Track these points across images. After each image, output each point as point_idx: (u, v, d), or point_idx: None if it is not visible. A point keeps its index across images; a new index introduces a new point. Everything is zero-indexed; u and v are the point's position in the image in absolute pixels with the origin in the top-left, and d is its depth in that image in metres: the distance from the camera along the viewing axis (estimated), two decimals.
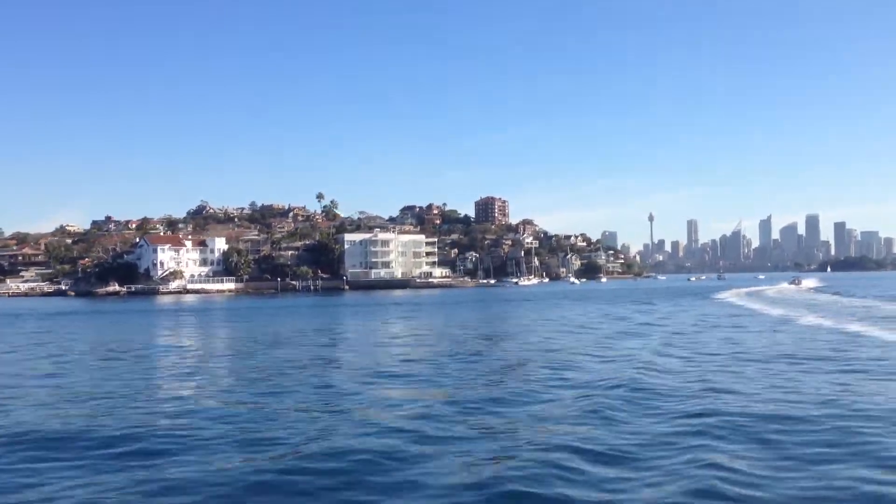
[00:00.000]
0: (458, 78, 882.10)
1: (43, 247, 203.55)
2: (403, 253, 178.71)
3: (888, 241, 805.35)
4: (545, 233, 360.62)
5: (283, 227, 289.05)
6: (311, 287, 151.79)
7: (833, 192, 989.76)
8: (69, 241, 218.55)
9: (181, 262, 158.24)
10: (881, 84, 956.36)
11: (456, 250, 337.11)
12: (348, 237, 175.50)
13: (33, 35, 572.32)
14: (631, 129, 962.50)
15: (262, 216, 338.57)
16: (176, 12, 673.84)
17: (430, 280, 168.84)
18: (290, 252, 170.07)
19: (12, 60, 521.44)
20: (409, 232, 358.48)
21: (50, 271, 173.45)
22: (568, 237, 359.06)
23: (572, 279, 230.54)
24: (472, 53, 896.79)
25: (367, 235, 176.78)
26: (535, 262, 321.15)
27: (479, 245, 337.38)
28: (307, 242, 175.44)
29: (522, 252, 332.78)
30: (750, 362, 26.93)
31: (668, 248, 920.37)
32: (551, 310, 71.78)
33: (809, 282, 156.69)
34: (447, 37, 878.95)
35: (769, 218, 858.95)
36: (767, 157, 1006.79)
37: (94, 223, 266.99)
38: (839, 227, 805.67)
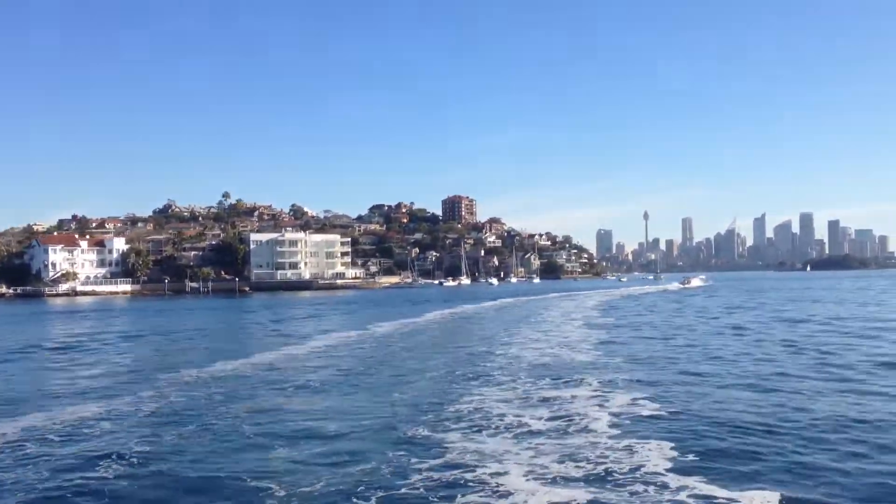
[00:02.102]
0: (461, 79, 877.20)
1: None
2: (315, 253, 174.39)
3: (882, 239, 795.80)
4: (509, 232, 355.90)
5: (247, 226, 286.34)
6: (201, 289, 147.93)
7: (829, 191, 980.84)
8: None
9: (76, 262, 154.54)
10: (877, 82, 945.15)
11: (417, 250, 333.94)
12: (254, 237, 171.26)
13: None
14: (628, 127, 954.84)
15: (228, 215, 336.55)
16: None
17: (336, 282, 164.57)
18: (193, 253, 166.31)
19: None
20: (373, 231, 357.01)
21: None
22: (532, 236, 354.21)
23: (492, 280, 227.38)
24: (468, 52, 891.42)
25: (274, 235, 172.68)
26: (495, 261, 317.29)
27: (441, 244, 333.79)
28: (212, 243, 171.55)
29: (483, 252, 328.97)
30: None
31: (662, 246, 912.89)
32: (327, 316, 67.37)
33: (697, 281, 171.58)
34: (436, 34, 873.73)
35: (763, 216, 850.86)
36: (764, 155, 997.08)
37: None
38: (833, 226, 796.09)
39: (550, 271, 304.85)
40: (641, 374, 24.66)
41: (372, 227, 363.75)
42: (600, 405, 18.96)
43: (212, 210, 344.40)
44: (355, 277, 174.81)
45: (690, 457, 13.87)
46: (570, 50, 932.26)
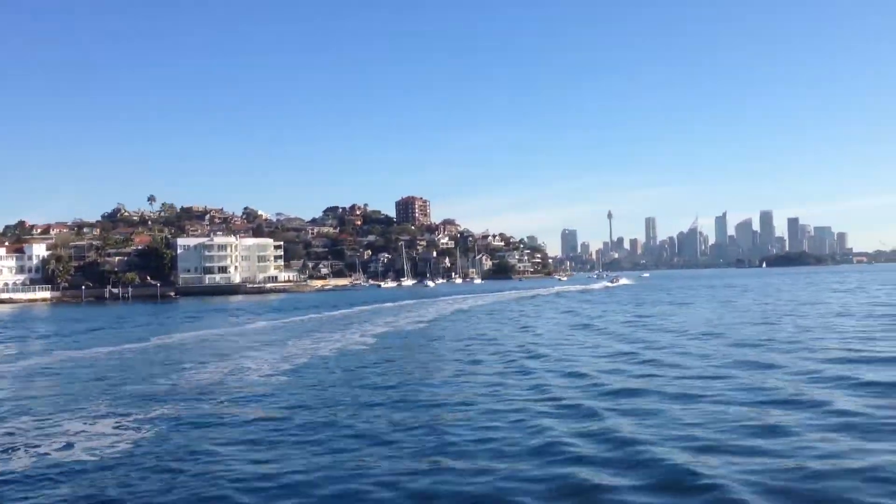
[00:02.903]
0: (436, 78, 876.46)
1: None
2: (247, 257, 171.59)
3: (841, 235, 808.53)
4: (462, 233, 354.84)
5: (197, 230, 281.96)
6: (120, 295, 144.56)
7: (789, 189, 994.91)
8: None
9: None
10: (834, 83, 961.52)
11: (369, 252, 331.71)
12: (181, 241, 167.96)
13: None
14: (592, 127, 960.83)
15: (179, 218, 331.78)
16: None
17: (265, 286, 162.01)
18: (118, 258, 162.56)
19: None
20: (326, 234, 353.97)
21: None
22: (485, 237, 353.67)
23: (428, 282, 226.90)
24: (434, 52, 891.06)
25: (202, 240, 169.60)
26: (447, 262, 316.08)
27: (393, 246, 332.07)
28: (138, 248, 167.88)
29: (435, 253, 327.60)
30: None
31: (626, 245, 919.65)
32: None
33: (624, 280, 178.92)
34: (400, 34, 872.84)
35: (724, 215, 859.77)
36: (725, 154, 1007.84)
37: None
38: (792, 223, 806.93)
39: (501, 271, 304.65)
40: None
41: (325, 229, 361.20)
42: None
43: (162, 214, 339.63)
44: (287, 280, 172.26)
45: None
46: (535, 51, 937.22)
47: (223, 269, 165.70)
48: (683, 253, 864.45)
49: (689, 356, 29.60)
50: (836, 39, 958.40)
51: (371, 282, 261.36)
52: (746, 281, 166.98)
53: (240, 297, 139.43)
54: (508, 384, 23.61)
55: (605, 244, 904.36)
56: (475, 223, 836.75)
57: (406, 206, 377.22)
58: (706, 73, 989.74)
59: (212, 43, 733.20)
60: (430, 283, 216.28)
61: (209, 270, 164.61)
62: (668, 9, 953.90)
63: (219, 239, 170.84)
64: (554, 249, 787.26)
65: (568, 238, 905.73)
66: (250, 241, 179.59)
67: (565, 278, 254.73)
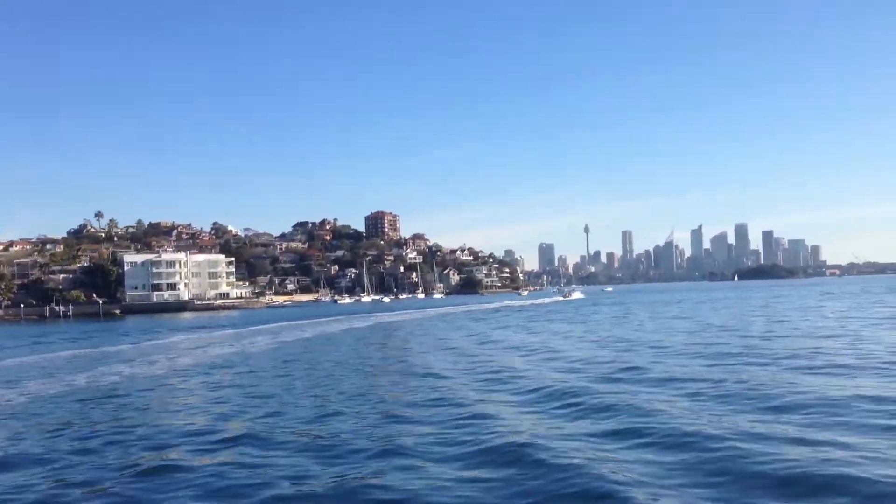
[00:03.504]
0: (414, 91, 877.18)
1: None
2: (197, 274, 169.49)
3: (815, 248, 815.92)
4: (430, 248, 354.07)
5: (162, 246, 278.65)
6: (61, 313, 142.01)
7: (763, 202, 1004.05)
8: None
9: None
10: (809, 94, 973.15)
11: (336, 267, 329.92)
12: (128, 258, 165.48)
13: None
14: (568, 141, 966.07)
15: (145, 235, 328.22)
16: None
17: (214, 302, 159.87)
18: (62, 276, 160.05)
19: None
20: (294, 249, 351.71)
21: None
22: (454, 252, 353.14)
23: (384, 298, 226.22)
24: (414, 64, 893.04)
25: (150, 256, 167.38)
26: (414, 277, 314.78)
27: (361, 262, 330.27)
28: (83, 265, 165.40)
29: (402, 268, 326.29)
30: None
31: (603, 259, 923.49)
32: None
33: (577, 294, 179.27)
34: (369, 49, 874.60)
35: (700, 228, 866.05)
36: (701, 167, 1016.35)
37: None
38: (767, 236, 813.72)
39: (469, 286, 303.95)
40: None
41: (294, 245, 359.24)
42: None
43: (130, 230, 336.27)
44: (239, 297, 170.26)
45: None
46: (508, 63, 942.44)
47: (172, 287, 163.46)
48: (660, 266, 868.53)
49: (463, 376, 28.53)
50: (815, 51, 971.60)
51: (336, 297, 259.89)
52: (702, 295, 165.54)
53: (188, 315, 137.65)
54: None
55: (583, 258, 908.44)
56: (453, 238, 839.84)
57: (375, 221, 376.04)
58: (683, 85, 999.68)
59: (184, 56, 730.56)
60: (386, 299, 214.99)
61: (157, 287, 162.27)
62: (640, 23, 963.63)
63: (167, 255, 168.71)
64: (532, 263, 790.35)
65: (545, 252, 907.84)
66: (201, 257, 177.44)
67: (525, 293, 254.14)
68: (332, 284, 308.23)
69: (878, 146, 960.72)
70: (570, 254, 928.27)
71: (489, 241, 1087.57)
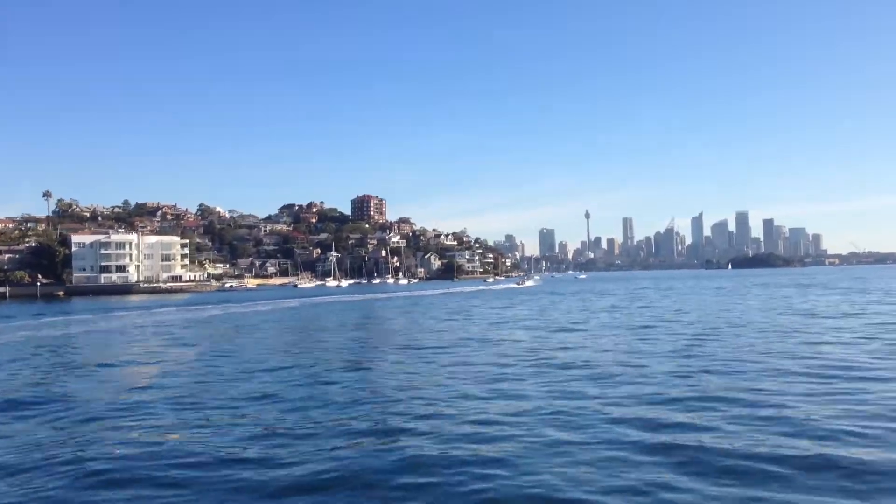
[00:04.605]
0: (419, 73, 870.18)
1: None
2: (150, 255, 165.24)
3: (816, 237, 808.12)
4: (414, 232, 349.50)
5: (146, 226, 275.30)
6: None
7: (765, 190, 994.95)
8: None
9: None
10: (809, 85, 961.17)
11: (319, 250, 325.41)
12: (76, 239, 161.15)
13: None
14: (570, 128, 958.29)
15: (130, 215, 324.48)
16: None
17: (161, 285, 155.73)
18: (8, 256, 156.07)
19: None
20: (278, 231, 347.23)
21: None
22: (437, 236, 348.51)
23: (339, 282, 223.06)
24: (412, 52, 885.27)
25: (99, 237, 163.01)
26: (396, 261, 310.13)
27: (344, 245, 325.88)
28: (30, 245, 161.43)
29: (384, 252, 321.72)
30: None
31: (604, 245, 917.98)
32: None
33: (530, 282, 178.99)
34: (364, 32, 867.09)
35: (700, 215, 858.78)
36: (704, 155, 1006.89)
37: None
38: (767, 224, 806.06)
39: (449, 271, 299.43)
40: None
41: (279, 227, 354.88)
42: None
43: (116, 209, 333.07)
44: (190, 280, 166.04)
45: None
46: (514, 51, 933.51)
47: (121, 269, 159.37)
48: (660, 253, 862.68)
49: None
50: (817, 42, 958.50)
51: (317, 281, 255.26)
52: (683, 284, 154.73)
53: (134, 298, 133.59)
54: None
55: (583, 244, 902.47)
56: (454, 224, 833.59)
57: (362, 205, 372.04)
58: (685, 76, 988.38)
59: (174, 42, 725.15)
60: (340, 283, 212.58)
61: (106, 269, 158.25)
62: (640, 13, 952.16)
63: (117, 236, 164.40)
64: (533, 249, 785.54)
65: (546, 237, 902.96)
66: (153, 238, 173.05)
67: (492, 280, 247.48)
68: (312, 268, 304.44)
69: (881, 138, 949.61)
70: (571, 240, 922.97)
71: (489, 227, 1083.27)
